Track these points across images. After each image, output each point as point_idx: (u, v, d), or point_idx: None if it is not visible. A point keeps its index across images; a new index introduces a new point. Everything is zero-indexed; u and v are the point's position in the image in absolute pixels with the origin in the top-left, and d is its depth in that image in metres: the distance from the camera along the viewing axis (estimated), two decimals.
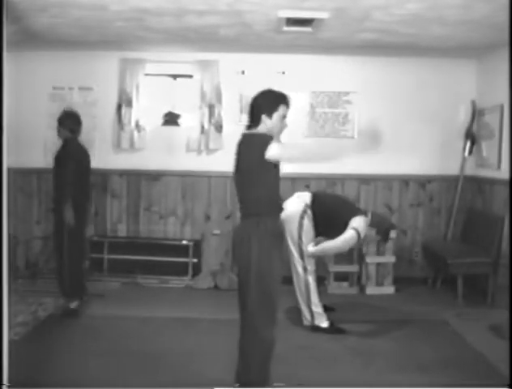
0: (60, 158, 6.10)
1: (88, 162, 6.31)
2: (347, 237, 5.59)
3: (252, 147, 3.87)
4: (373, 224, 5.89)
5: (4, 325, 3.16)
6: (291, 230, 5.73)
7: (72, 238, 6.04)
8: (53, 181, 6.22)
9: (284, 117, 4.00)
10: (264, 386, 3.99)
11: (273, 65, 7.66)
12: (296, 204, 5.72)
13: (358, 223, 5.63)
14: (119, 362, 4.91)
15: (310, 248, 5.71)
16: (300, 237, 5.73)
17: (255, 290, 3.87)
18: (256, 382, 3.97)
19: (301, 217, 5.72)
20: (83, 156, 6.26)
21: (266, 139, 3.79)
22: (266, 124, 3.93)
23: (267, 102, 3.97)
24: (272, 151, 3.73)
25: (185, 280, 7.58)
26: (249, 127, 4.01)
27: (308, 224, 5.74)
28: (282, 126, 4.00)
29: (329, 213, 5.81)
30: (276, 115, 3.94)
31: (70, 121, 6.19)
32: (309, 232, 5.76)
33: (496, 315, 6.30)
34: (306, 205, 5.76)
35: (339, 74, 7.82)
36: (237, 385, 4.03)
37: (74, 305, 6.15)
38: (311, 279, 5.83)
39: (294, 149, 3.95)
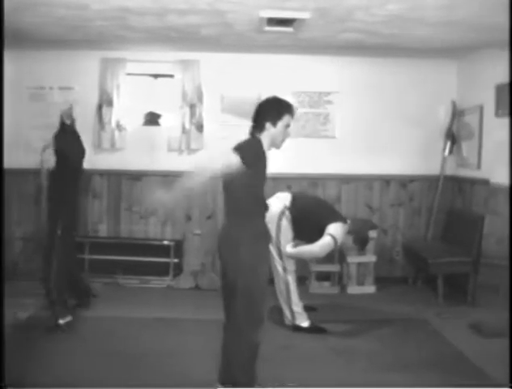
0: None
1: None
2: (324, 243, 5.62)
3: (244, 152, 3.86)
4: (351, 231, 5.91)
5: (3, 325, 3.16)
6: (271, 230, 5.72)
7: (65, 242, 5.96)
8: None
9: (288, 126, 4.02)
10: (250, 386, 3.99)
11: (255, 65, 7.67)
12: (275, 205, 5.70)
13: (335, 230, 5.65)
14: (101, 363, 4.89)
15: (288, 249, 5.73)
16: (278, 238, 5.74)
17: (242, 291, 3.86)
18: (242, 383, 3.96)
19: (279, 218, 5.72)
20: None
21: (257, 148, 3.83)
22: (270, 132, 3.94)
23: (273, 110, 3.98)
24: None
25: (167, 281, 7.56)
26: (252, 132, 4.01)
27: (286, 225, 5.75)
28: (285, 134, 4.02)
29: (307, 216, 5.80)
30: (280, 124, 3.96)
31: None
32: (286, 233, 5.76)
33: (476, 314, 6.35)
34: (285, 206, 5.76)
35: (320, 74, 7.83)
36: (220, 385, 4.02)
37: (63, 320, 5.77)
38: (291, 279, 5.84)
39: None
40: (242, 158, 3.70)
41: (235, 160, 3.67)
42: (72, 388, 4.38)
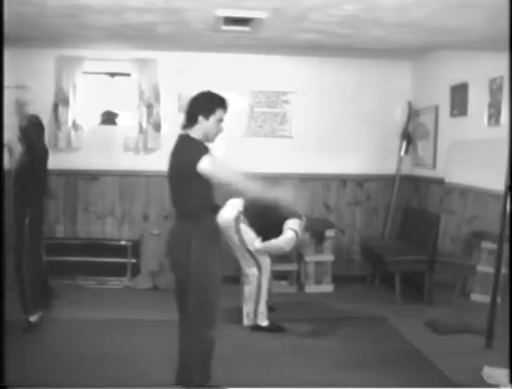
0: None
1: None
2: (288, 237, 5.72)
3: (187, 153, 3.86)
4: (307, 227, 5.97)
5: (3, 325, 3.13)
6: (230, 237, 5.75)
7: (33, 241, 5.86)
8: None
9: (221, 120, 4.01)
10: (204, 386, 3.99)
11: (212, 64, 7.65)
12: (229, 212, 5.72)
13: (293, 224, 5.78)
14: (60, 364, 4.84)
15: (257, 244, 5.75)
16: (242, 240, 5.75)
17: (195, 291, 3.86)
18: (196, 383, 3.96)
19: (236, 222, 5.75)
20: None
21: (200, 151, 3.79)
22: (203, 125, 3.92)
23: (206, 104, 3.97)
24: (204, 166, 3.74)
25: (124, 281, 7.51)
26: (184, 127, 3.99)
27: (245, 227, 5.77)
28: (218, 129, 4.01)
29: (264, 216, 5.81)
30: (213, 118, 3.94)
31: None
32: (248, 233, 5.77)
33: (432, 311, 6.43)
34: (239, 211, 5.77)
35: (277, 74, 7.86)
36: (177, 386, 4.01)
37: (34, 318, 5.72)
38: (265, 280, 5.85)
39: (227, 172, 3.92)
40: (193, 156, 3.73)
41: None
42: (69, 388, 4.37)
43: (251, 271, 5.83)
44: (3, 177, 5.41)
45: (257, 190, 3.92)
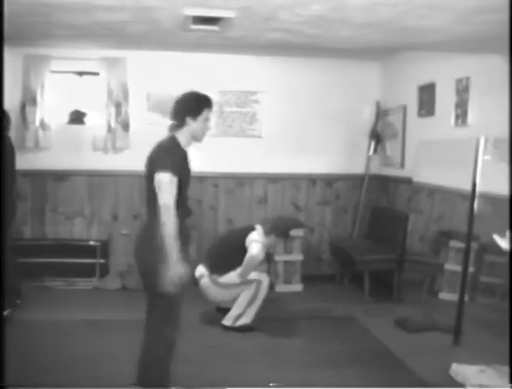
0: None
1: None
2: (255, 247, 5.81)
3: (160, 156, 3.84)
4: (268, 231, 6.00)
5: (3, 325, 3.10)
6: (220, 295, 5.93)
7: (3, 243, 5.76)
8: None
9: (208, 119, 4.02)
10: (163, 386, 3.98)
11: (181, 63, 7.63)
12: (200, 281, 5.90)
13: (254, 236, 5.91)
14: (27, 366, 4.79)
15: (238, 279, 5.80)
16: (229, 287, 5.85)
17: (158, 292, 3.84)
18: (154, 383, 3.95)
19: (213, 282, 5.85)
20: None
21: (167, 163, 3.74)
22: (191, 126, 3.93)
23: (192, 105, 3.97)
24: (158, 178, 3.72)
25: (93, 282, 7.46)
26: (172, 128, 3.98)
27: (220, 278, 5.84)
28: (205, 128, 4.02)
29: (225, 250, 6.02)
30: (200, 118, 3.95)
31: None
32: (227, 277, 5.84)
33: (401, 310, 6.48)
34: (203, 275, 5.89)
35: (246, 73, 7.86)
36: (136, 386, 4.00)
37: (6, 312, 5.63)
38: (263, 288, 5.86)
39: (167, 198, 3.73)
40: (159, 164, 3.73)
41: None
42: (66, 388, 4.36)
43: (250, 284, 5.84)
44: (3, 177, 5.37)
45: (167, 233, 3.77)
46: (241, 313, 5.84)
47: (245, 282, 5.80)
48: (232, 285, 5.82)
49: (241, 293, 5.84)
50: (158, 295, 3.85)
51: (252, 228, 6.02)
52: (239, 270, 5.78)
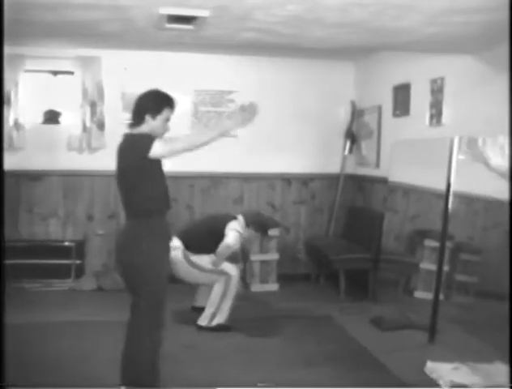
0: None
1: None
2: (232, 236, 5.83)
3: (134, 148, 3.82)
4: (248, 223, 6.03)
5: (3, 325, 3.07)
6: (190, 272, 5.88)
7: None
8: None
9: (168, 120, 3.98)
10: (153, 386, 3.97)
11: (156, 62, 7.60)
12: (173, 252, 5.81)
13: (234, 225, 5.93)
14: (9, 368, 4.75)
15: (211, 265, 5.80)
16: (199, 268, 5.82)
17: (142, 291, 3.83)
18: (145, 383, 3.93)
19: (186, 258, 5.83)
20: None
21: (149, 139, 3.74)
22: (150, 124, 3.89)
23: (153, 103, 3.94)
24: (156, 149, 3.69)
25: (68, 283, 7.41)
26: (131, 126, 3.96)
27: (194, 257, 5.83)
28: (164, 128, 3.98)
29: (206, 235, 5.98)
30: (160, 117, 3.91)
31: None
32: (200, 258, 5.82)
33: (376, 309, 6.52)
34: (177, 247, 5.81)
35: (221, 73, 7.85)
36: (122, 386, 3.98)
37: None
38: (233, 284, 5.84)
39: (176, 141, 3.86)
40: (144, 147, 3.71)
41: None
42: (65, 388, 4.33)
43: (219, 280, 5.82)
44: (3, 177, 5.29)
45: (208, 136, 3.85)
46: (214, 311, 5.82)
47: (215, 272, 5.79)
48: (203, 269, 5.81)
49: (213, 289, 5.83)
50: (143, 295, 3.84)
51: (234, 217, 6.05)
52: (212, 257, 5.79)
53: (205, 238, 5.91)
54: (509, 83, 4.85)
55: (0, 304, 3.44)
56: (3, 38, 3.42)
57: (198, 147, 3.81)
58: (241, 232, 5.92)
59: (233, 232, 5.84)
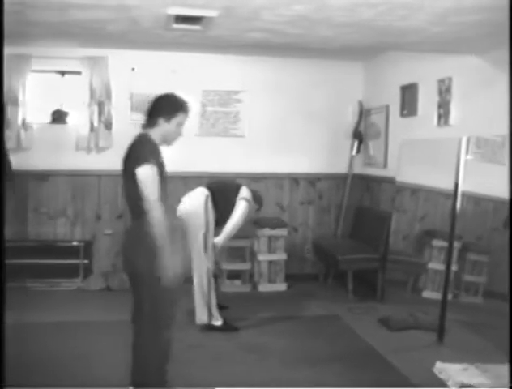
0: None
1: None
2: (241, 209, 5.83)
3: (132, 154, 3.81)
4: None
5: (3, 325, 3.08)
6: (196, 225, 5.73)
7: None
8: None
9: (181, 124, 3.98)
10: (162, 387, 3.97)
11: (163, 62, 7.60)
12: (197, 198, 5.78)
13: (245, 192, 5.93)
14: (13, 368, 4.76)
15: (217, 240, 5.76)
16: (207, 230, 5.73)
17: (147, 292, 3.82)
18: (153, 384, 3.93)
19: (206, 207, 5.74)
20: None
21: (147, 156, 3.72)
22: (163, 127, 3.90)
23: (168, 106, 3.94)
24: (140, 172, 3.67)
25: (77, 282, 7.42)
26: (144, 127, 3.96)
27: (211, 213, 5.77)
28: (178, 133, 3.99)
29: (225, 195, 5.94)
30: (174, 121, 3.92)
31: None
32: (213, 222, 5.78)
33: (384, 309, 6.51)
34: (207, 196, 5.78)
35: (229, 73, 7.85)
36: (132, 387, 3.98)
37: None
38: (206, 279, 5.81)
39: (151, 188, 3.70)
40: (139, 159, 3.69)
41: None
42: (65, 388, 4.33)
43: (202, 267, 5.78)
44: (3, 177, 5.32)
45: (158, 227, 3.73)
46: (206, 309, 5.81)
47: (198, 255, 5.74)
48: (206, 229, 5.74)
49: (196, 280, 5.81)
50: (146, 296, 3.84)
51: (240, 185, 6.06)
52: (217, 239, 5.76)
53: (224, 197, 5.89)
54: (510, 83, 4.85)
55: (0, 304, 3.44)
56: (3, 38, 3.43)
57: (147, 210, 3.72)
58: (250, 198, 5.93)
59: (242, 203, 5.84)
